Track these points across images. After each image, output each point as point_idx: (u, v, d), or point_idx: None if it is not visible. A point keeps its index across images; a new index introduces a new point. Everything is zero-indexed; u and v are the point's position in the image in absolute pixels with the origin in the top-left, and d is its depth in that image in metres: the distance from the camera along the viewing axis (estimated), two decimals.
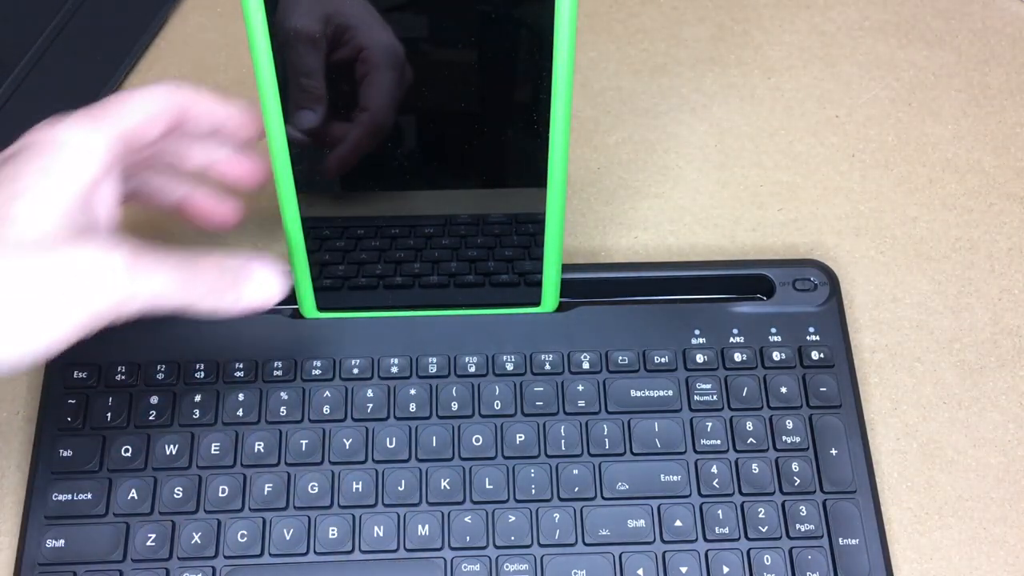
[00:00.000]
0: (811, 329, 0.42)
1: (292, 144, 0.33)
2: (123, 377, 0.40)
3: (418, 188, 0.35)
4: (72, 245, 0.30)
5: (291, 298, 0.40)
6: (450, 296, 0.41)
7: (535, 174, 0.35)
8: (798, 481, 0.39)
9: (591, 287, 0.43)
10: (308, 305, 0.41)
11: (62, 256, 0.30)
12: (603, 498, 0.39)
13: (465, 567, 0.37)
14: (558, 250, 0.39)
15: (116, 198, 0.33)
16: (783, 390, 0.41)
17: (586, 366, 0.41)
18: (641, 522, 0.38)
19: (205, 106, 0.35)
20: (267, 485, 0.38)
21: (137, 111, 0.33)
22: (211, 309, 0.33)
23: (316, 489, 0.38)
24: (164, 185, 0.38)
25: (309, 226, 0.38)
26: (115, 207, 0.33)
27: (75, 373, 0.40)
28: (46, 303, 0.29)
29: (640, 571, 0.37)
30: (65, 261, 0.30)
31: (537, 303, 0.41)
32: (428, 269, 0.40)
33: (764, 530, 0.38)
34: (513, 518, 0.38)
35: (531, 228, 0.38)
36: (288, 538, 0.38)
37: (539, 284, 0.40)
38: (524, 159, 0.35)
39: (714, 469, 0.39)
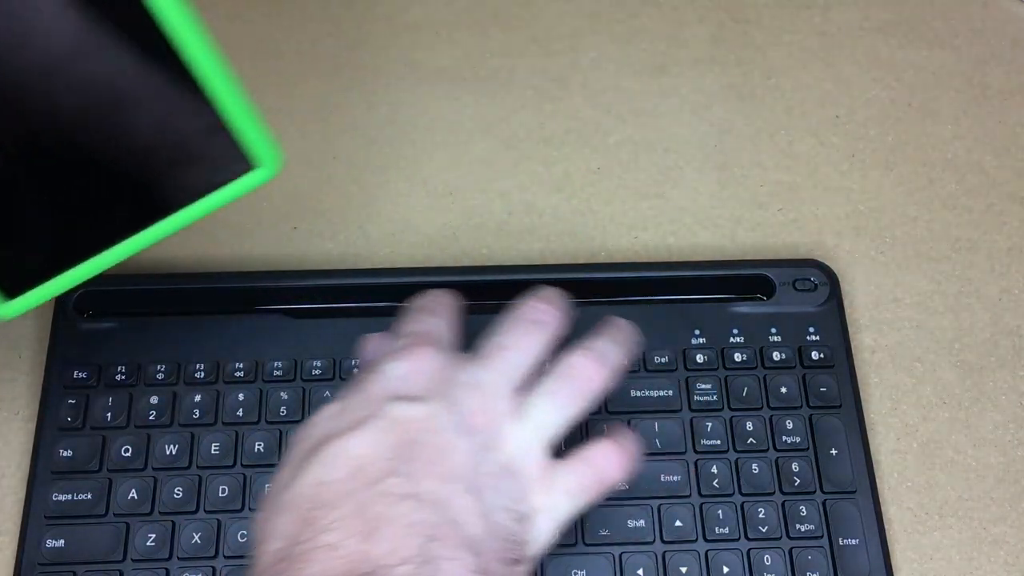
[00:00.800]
0: (811, 329, 0.42)
1: None
2: (123, 377, 0.40)
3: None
4: None
5: None
6: (151, 208, 0.32)
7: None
8: (798, 481, 0.39)
9: (589, 287, 0.43)
10: None
11: None
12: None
13: None
14: (232, 95, 0.30)
15: None
16: (783, 390, 0.41)
17: None
18: (641, 522, 0.38)
19: None
20: (267, 485, 0.38)
21: None
22: None
23: None
24: None
25: None
26: None
27: (75, 373, 0.40)
28: None
29: (640, 571, 0.37)
30: None
31: (251, 166, 0.32)
32: (93, 193, 0.31)
33: (764, 530, 0.38)
34: None
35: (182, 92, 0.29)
36: None
37: (234, 143, 0.31)
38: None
39: (714, 469, 0.39)
